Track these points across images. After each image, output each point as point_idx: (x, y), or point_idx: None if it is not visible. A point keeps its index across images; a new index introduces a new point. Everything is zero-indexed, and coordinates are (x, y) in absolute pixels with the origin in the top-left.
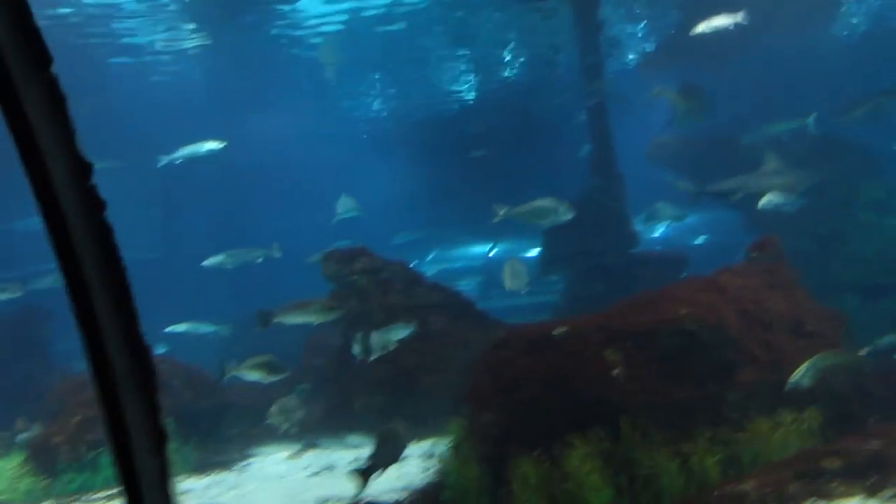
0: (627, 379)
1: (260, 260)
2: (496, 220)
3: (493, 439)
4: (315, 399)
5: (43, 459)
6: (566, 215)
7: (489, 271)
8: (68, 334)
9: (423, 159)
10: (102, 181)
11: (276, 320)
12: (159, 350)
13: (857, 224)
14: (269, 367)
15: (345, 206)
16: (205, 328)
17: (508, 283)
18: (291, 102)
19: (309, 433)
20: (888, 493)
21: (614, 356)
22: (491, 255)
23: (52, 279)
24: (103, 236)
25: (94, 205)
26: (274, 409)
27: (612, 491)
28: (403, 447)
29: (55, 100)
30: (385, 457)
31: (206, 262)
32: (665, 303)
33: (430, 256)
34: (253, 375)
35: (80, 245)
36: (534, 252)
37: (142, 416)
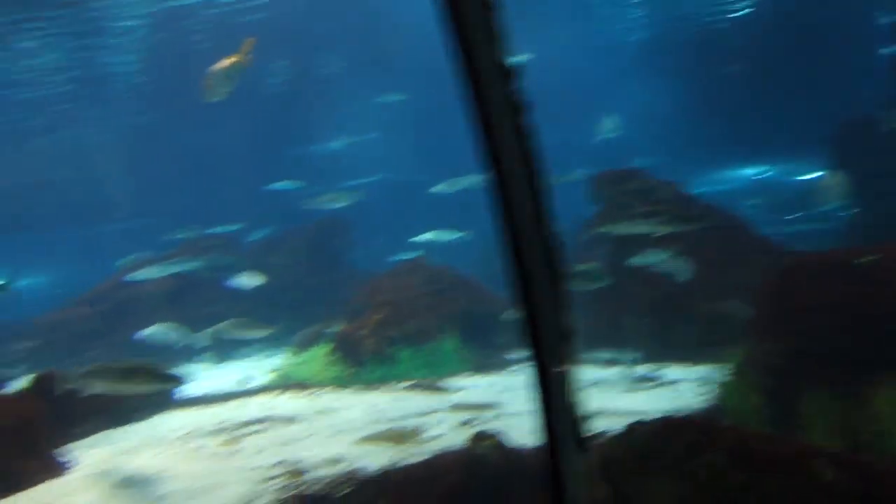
0: None
1: None
2: None
3: (779, 370)
4: (580, 317)
5: (349, 351)
6: None
7: (762, 194)
8: (365, 243)
9: (690, 75)
10: None
11: None
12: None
13: None
14: None
15: (606, 125)
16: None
17: (825, 197)
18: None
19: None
20: None
21: None
22: (761, 177)
23: (348, 196)
24: (523, 137)
25: (516, 107)
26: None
27: None
28: None
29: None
30: None
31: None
32: None
33: (698, 178)
34: None
35: (505, 142)
36: (809, 176)
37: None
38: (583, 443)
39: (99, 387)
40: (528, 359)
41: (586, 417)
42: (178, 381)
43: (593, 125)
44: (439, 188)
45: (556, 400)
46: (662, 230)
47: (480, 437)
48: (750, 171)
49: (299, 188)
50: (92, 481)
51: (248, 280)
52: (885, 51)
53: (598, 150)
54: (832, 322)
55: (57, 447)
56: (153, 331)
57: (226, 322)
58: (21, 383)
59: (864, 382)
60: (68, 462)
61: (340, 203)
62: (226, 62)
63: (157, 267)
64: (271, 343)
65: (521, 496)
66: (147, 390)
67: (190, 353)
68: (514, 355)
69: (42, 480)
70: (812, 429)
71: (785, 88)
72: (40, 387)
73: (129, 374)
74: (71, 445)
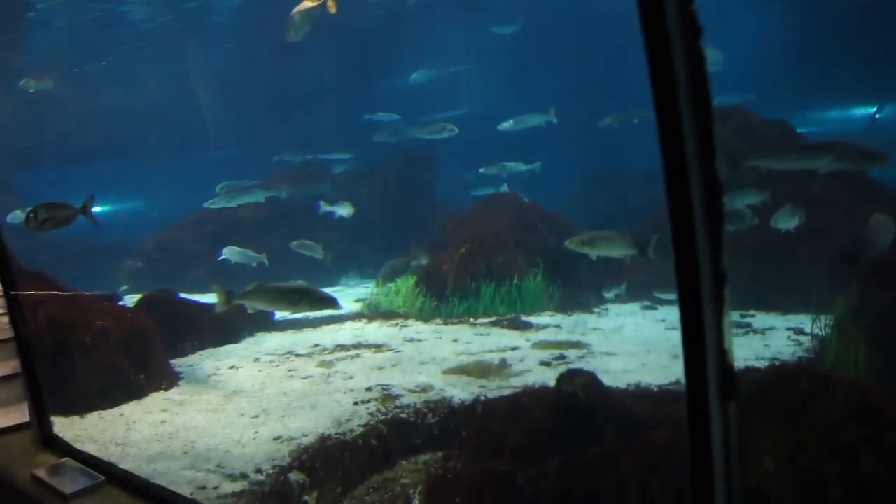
0: None
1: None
2: None
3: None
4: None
5: (433, 284)
6: None
7: (880, 134)
8: (453, 176)
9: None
10: None
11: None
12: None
13: None
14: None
15: (710, 58)
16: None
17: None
18: None
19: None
20: None
21: None
22: (877, 116)
23: (440, 129)
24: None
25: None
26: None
27: None
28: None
29: None
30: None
31: None
32: None
33: (809, 115)
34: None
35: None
36: None
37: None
38: (731, 391)
39: (262, 305)
40: (680, 301)
41: (734, 366)
42: (334, 303)
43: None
44: (506, 125)
45: (708, 345)
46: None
47: (572, 374)
48: (867, 111)
49: (392, 120)
50: (199, 392)
51: (340, 209)
52: None
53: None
54: None
55: (168, 360)
56: (229, 252)
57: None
58: (133, 299)
59: None
60: (179, 374)
61: (433, 135)
62: (307, 4)
63: (251, 194)
64: (359, 272)
65: (613, 438)
66: (307, 310)
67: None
68: (601, 295)
69: (156, 390)
70: None
71: None
72: (151, 303)
73: (291, 294)
74: (179, 360)
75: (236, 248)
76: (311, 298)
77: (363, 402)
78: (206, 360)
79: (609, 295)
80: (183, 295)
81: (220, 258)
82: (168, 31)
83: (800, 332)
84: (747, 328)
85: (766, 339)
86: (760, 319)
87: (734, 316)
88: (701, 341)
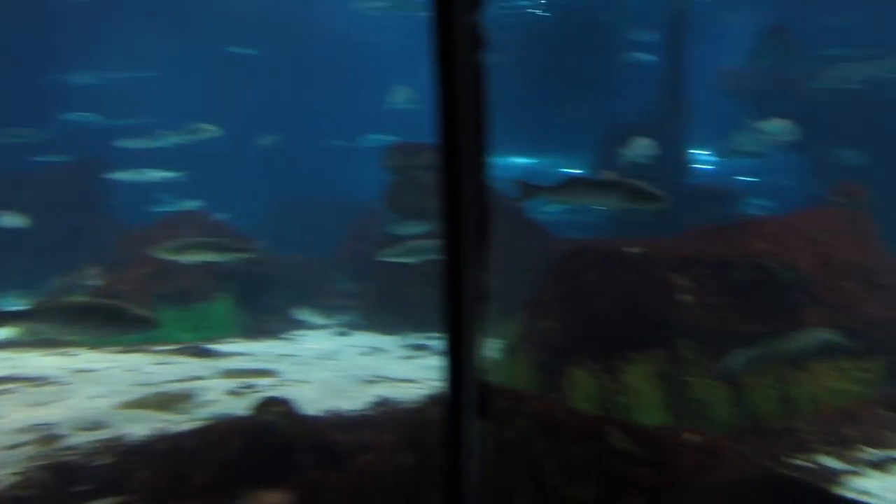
0: (696, 306)
1: None
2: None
3: (551, 347)
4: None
5: None
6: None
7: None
8: (126, 188)
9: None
10: None
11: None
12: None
13: None
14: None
15: (400, 95)
16: None
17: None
18: None
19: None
20: None
21: (685, 282)
22: (530, 167)
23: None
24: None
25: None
26: None
27: (665, 412)
28: None
29: None
30: None
31: None
32: (740, 236)
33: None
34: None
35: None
36: (575, 171)
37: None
38: (484, 407)
39: None
40: (441, 319)
41: (489, 383)
42: None
43: (389, 95)
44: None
45: (464, 363)
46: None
47: (269, 403)
48: (520, 161)
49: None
50: None
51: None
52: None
53: (394, 121)
54: (602, 304)
55: None
56: None
57: None
58: None
59: (620, 360)
60: None
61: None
62: None
63: None
64: (18, 291)
65: (312, 466)
66: None
67: None
68: (292, 319)
69: None
70: (574, 400)
71: (560, 86)
72: None
73: None
74: None
75: None
76: None
77: (16, 445)
78: None
79: (301, 319)
80: None
81: None
82: None
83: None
84: (426, 349)
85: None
86: (439, 342)
87: (416, 339)
88: (460, 359)
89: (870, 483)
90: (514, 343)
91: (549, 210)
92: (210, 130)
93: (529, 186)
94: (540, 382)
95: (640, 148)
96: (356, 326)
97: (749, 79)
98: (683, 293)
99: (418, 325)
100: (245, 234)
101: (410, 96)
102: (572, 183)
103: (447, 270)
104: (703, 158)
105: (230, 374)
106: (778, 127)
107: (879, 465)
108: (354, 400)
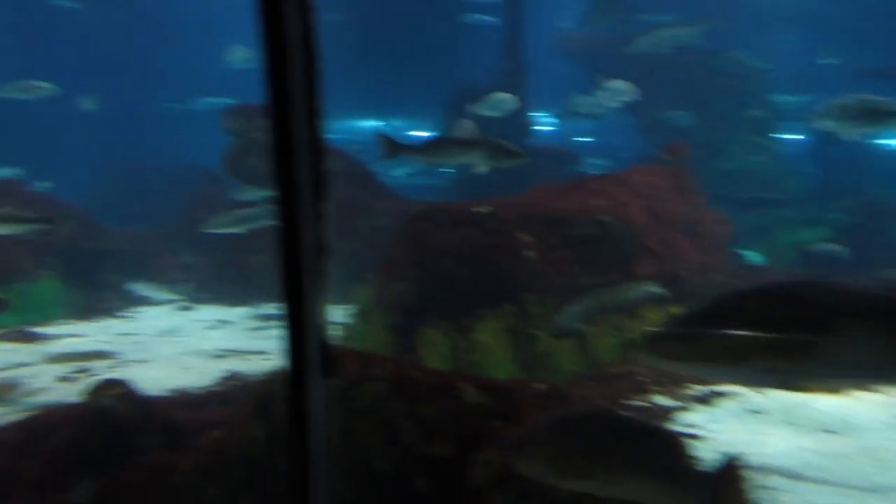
0: (539, 261)
1: None
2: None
3: (404, 308)
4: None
5: None
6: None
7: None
8: None
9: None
10: None
11: None
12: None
13: (738, 141)
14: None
15: (237, 55)
16: None
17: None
18: None
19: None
20: None
21: (529, 238)
22: (379, 130)
23: None
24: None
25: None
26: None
27: (513, 365)
28: None
29: None
30: None
31: None
32: (579, 193)
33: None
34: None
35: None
36: (424, 133)
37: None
38: (329, 369)
39: None
40: (280, 274)
41: (334, 344)
42: None
43: (226, 55)
44: None
45: (305, 321)
46: None
47: (105, 386)
48: (368, 124)
49: None
50: None
51: None
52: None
53: (232, 81)
54: (451, 264)
55: None
56: None
57: None
58: None
59: (471, 318)
60: None
61: None
62: None
63: None
64: None
65: (156, 448)
66: None
67: None
68: (130, 296)
69: None
70: (427, 360)
71: (402, 48)
72: None
73: None
74: None
75: None
76: None
77: None
78: None
79: (140, 295)
80: None
81: None
82: None
83: (332, 322)
84: (276, 319)
85: None
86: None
87: (265, 309)
88: (301, 319)
89: (695, 416)
90: (367, 307)
91: (396, 174)
92: (42, 88)
93: (394, 144)
94: (394, 344)
95: (496, 104)
96: (200, 300)
97: (582, 42)
98: (528, 250)
99: (266, 295)
100: (69, 205)
101: (248, 56)
102: (436, 142)
103: (283, 224)
104: (543, 120)
105: (60, 358)
106: (615, 89)
107: (705, 400)
108: (201, 376)
